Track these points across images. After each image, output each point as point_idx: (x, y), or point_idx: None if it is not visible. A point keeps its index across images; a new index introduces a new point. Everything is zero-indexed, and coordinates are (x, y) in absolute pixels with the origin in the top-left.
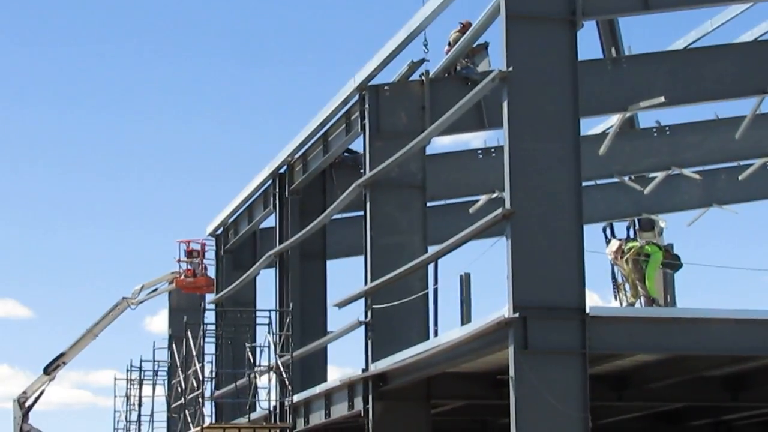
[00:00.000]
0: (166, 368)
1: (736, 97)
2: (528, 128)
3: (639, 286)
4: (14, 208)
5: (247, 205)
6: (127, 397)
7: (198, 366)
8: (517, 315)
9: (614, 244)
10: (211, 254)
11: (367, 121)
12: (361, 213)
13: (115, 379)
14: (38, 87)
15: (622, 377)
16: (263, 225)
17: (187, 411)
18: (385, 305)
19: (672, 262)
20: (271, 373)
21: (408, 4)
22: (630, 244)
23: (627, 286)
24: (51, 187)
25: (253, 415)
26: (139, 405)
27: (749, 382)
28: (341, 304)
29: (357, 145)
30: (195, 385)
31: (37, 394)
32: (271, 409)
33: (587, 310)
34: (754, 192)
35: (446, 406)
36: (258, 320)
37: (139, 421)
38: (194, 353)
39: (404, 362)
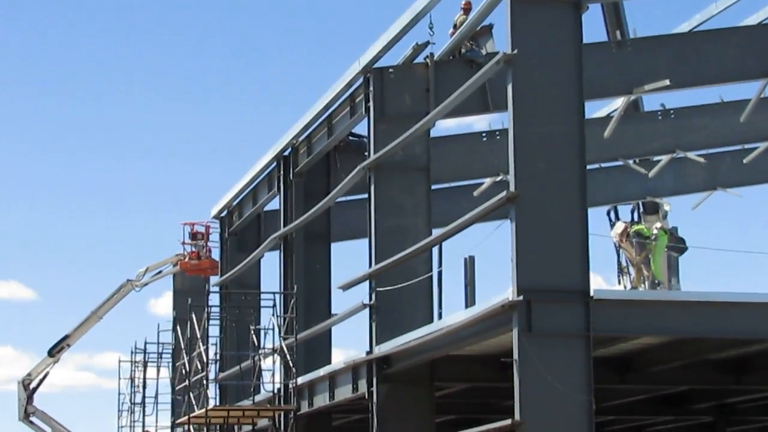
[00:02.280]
0: (170, 350)
1: (741, 81)
2: (532, 111)
3: (644, 268)
4: (19, 190)
5: (251, 187)
6: (132, 380)
7: (202, 348)
8: (521, 298)
9: (619, 226)
10: (215, 237)
11: (371, 104)
12: (366, 196)
13: (120, 361)
14: (42, 70)
15: (625, 360)
16: (268, 207)
17: (191, 393)
18: (390, 288)
19: (677, 245)
20: (276, 355)
21: None
22: (635, 227)
23: (631, 269)
24: (56, 169)
25: (258, 398)
26: (144, 387)
27: (752, 365)
28: (345, 287)
29: (361, 128)
30: (199, 367)
31: (41, 376)
32: (276, 391)
33: (591, 293)
34: (759, 175)
35: (450, 389)
36: (262, 302)
37: (143, 403)
38: (198, 335)
39: (408, 345)
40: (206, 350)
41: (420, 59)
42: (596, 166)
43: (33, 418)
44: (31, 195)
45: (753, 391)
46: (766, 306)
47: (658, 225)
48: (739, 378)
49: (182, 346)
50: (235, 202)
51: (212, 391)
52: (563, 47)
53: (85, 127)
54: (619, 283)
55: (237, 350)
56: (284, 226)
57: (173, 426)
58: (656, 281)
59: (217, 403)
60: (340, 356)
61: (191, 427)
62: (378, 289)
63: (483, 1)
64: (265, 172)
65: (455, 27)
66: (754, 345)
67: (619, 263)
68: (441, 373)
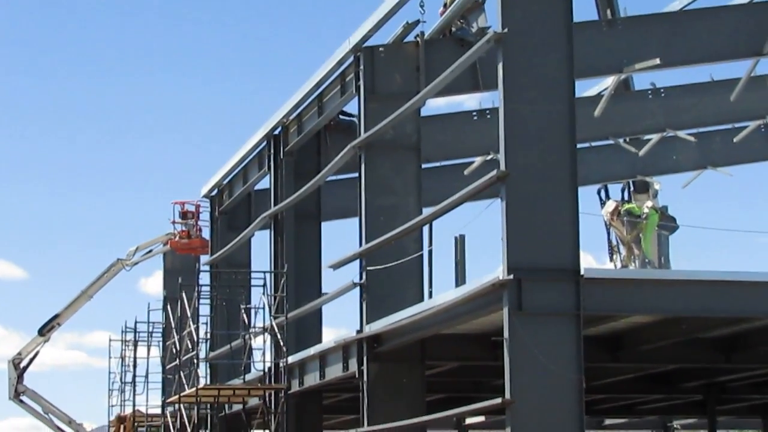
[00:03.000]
0: (160, 329)
1: (732, 59)
2: (523, 90)
3: (634, 247)
4: (9, 169)
5: (241, 166)
6: (122, 358)
7: (193, 327)
8: (511, 277)
9: (610, 205)
10: (205, 216)
11: (362, 83)
12: (356, 174)
13: (110, 340)
14: (31, 48)
15: (616, 339)
16: (258, 186)
17: (181, 372)
18: (380, 267)
19: (667, 224)
20: (266, 334)
21: None
22: (626, 206)
23: (622, 248)
24: (47, 150)
25: (248, 377)
26: (134, 366)
27: (742, 343)
28: (336, 266)
29: (352, 107)
30: (190, 346)
31: (31, 355)
32: (266, 370)
33: (582, 272)
34: (749, 154)
35: (440, 368)
36: (253, 281)
37: (134, 382)
38: (189, 314)
39: (399, 324)
40: (196, 329)
41: (410, 38)
42: (586, 144)
43: (23, 397)
44: (22, 175)
45: (743, 369)
46: (756, 284)
47: (649, 204)
48: (729, 356)
49: (172, 325)
50: (225, 181)
51: (202, 370)
52: (554, 26)
53: (76, 107)
54: (610, 261)
55: (227, 329)
56: (274, 205)
57: (164, 405)
58: (647, 260)
59: (208, 382)
60: (331, 335)
61: (182, 406)
62: (368, 268)
63: None
64: (256, 151)
65: (445, 6)
66: (744, 323)
67: (610, 242)
68: (431, 352)
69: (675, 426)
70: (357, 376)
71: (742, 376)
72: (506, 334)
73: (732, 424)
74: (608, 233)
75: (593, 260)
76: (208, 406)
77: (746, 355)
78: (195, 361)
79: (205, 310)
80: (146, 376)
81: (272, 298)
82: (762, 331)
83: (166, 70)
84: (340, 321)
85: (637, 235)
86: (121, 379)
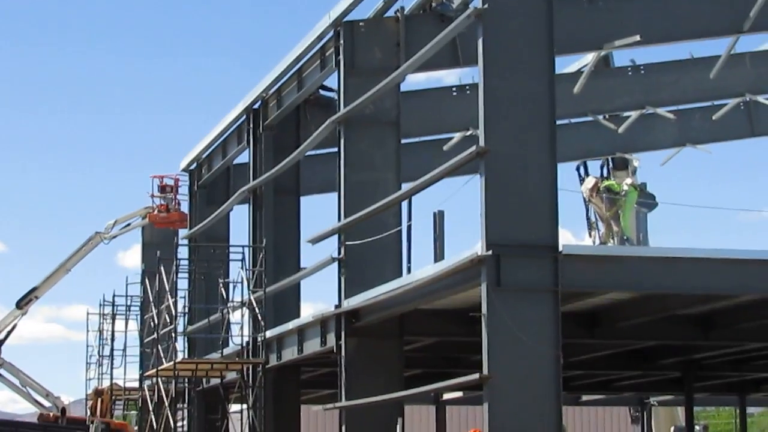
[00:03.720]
0: (138, 303)
1: (712, 37)
2: (503, 66)
3: (613, 224)
4: None
5: (221, 140)
6: (100, 332)
7: (171, 301)
8: (490, 252)
9: (590, 181)
10: (184, 189)
11: (341, 57)
12: (335, 149)
13: (88, 313)
14: (9, 23)
15: (594, 315)
16: (237, 160)
17: (159, 346)
18: (359, 242)
19: (647, 201)
20: (244, 308)
21: None
22: (606, 183)
23: (600, 225)
24: (26, 124)
25: (226, 351)
26: (112, 340)
27: (720, 320)
28: (315, 241)
29: (332, 82)
30: (168, 320)
31: (9, 328)
32: (244, 344)
33: (560, 248)
34: (728, 132)
35: (419, 343)
36: (231, 256)
37: (111, 356)
38: (167, 288)
39: (377, 299)
40: (175, 303)
41: (391, 13)
42: (566, 121)
43: (0, 371)
44: (1, 151)
45: (720, 346)
46: (733, 262)
47: (629, 181)
48: (707, 333)
49: (150, 299)
50: (204, 155)
51: (180, 344)
52: (534, 2)
53: (55, 82)
54: (589, 237)
55: (206, 303)
56: (253, 180)
57: (141, 379)
58: (625, 237)
59: (186, 356)
60: (309, 310)
61: (159, 379)
62: (347, 243)
63: None
64: (235, 125)
65: None
66: (721, 301)
67: (589, 218)
68: (410, 327)
69: (652, 402)
70: (335, 351)
71: (719, 354)
72: (484, 309)
73: (709, 401)
74: (587, 210)
75: (572, 236)
76: (186, 380)
77: (723, 333)
78: (173, 335)
79: (183, 284)
80: (124, 350)
81: (251, 272)
82: (739, 308)
83: (146, 44)
84: (319, 296)
85: (616, 212)
86: (98, 352)
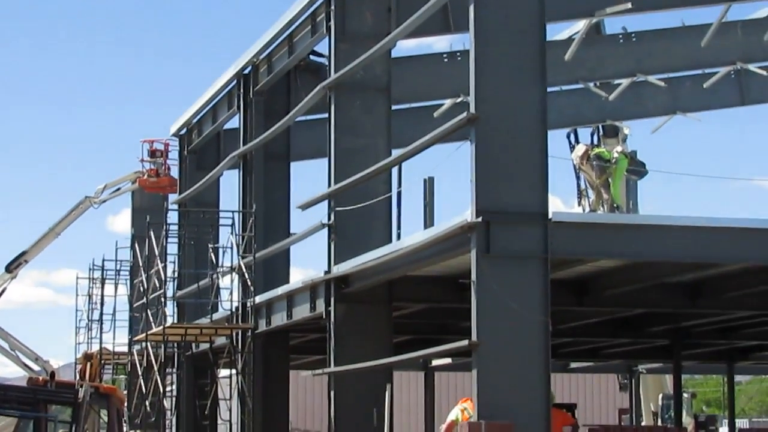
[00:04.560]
0: (128, 268)
1: (703, 5)
2: (494, 32)
3: (603, 192)
4: None
5: (211, 105)
6: (89, 296)
7: (160, 266)
8: (479, 219)
9: (580, 149)
10: (174, 154)
11: (332, 23)
12: (326, 115)
13: (77, 278)
14: None
15: (583, 283)
16: (227, 126)
17: (149, 311)
18: (349, 208)
19: (637, 168)
20: (234, 274)
21: None
22: (596, 150)
23: (590, 192)
24: (14, 84)
25: (215, 316)
26: (101, 304)
27: (708, 289)
28: (304, 206)
29: (322, 47)
30: (157, 285)
31: None
32: (233, 309)
33: (550, 216)
34: (719, 100)
35: (408, 309)
36: (221, 221)
37: (101, 320)
38: (157, 253)
39: (366, 265)
40: (164, 268)
41: None
42: (557, 88)
43: None
44: None
45: (709, 314)
46: (722, 230)
47: (619, 149)
48: (695, 301)
49: (140, 264)
50: (194, 120)
51: (170, 309)
52: None
53: (46, 45)
54: (578, 205)
55: (195, 268)
56: (244, 145)
57: (131, 343)
58: (615, 204)
59: (175, 321)
60: (299, 276)
61: (149, 344)
62: (337, 208)
63: None
64: (225, 91)
65: None
66: (710, 269)
67: (579, 186)
68: (399, 293)
69: (640, 370)
70: (324, 316)
71: (707, 321)
72: (473, 276)
73: (697, 369)
74: (577, 177)
75: (561, 204)
76: (175, 344)
77: (712, 301)
78: (162, 299)
79: (173, 248)
80: (113, 315)
81: (240, 237)
82: (728, 276)
83: (137, 8)
84: (308, 262)
85: (606, 180)
86: (88, 316)
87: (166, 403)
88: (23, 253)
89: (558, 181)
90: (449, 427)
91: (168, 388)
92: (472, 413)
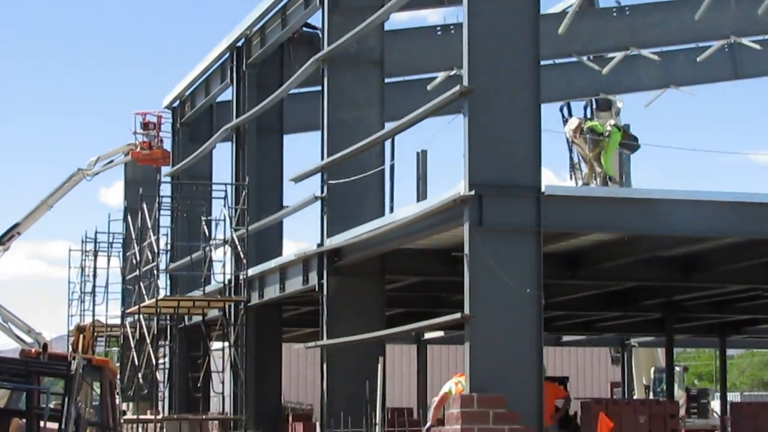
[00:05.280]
0: (121, 240)
1: None
2: (487, 5)
3: (596, 165)
4: None
5: (204, 78)
6: (82, 269)
7: (153, 238)
8: (472, 192)
9: (573, 122)
10: (167, 127)
11: None
12: (319, 88)
13: (70, 250)
14: None
15: (576, 256)
16: (220, 98)
17: (141, 283)
18: (342, 181)
19: (629, 142)
20: (227, 246)
21: None
22: (589, 123)
23: (583, 166)
24: (7, 60)
25: (208, 288)
26: (94, 276)
27: (701, 262)
28: (297, 179)
29: (315, 20)
30: (150, 257)
31: None
32: (226, 282)
33: (543, 189)
34: (712, 74)
35: (400, 282)
36: (214, 194)
37: (93, 293)
38: (149, 226)
39: (359, 238)
40: (157, 240)
41: None
42: (550, 61)
43: None
44: None
45: (701, 288)
46: (715, 204)
47: (612, 122)
48: (688, 275)
49: (133, 236)
50: (187, 93)
51: (163, 282)
52: None
53: (38, 18)
54: (571, 179)
55: (188, 241)
56: (236, 118)
57: (123, 315)
58: (608, 177)
59: (168, 294)
60: (291, 248)
61: (141, 316)
62: (330, 181)
63: None
64: (218, 63)
65: None
66: (702, 242)
67: (571, 159)
68: (392, 266)
69: (632, 343)
70: (317, 289)
71: (700, 295)
72: (466, 249)
73: (689, 342)
74: (570, 150)
75: (554, 177)
76: (168, 317)
77: (704, 274)
78: (155, 272)
79: (165, 221)
80: (106, 287)
81: (233, 210)
82: (721, 250)
83: None
84: (301, 234)
85: (599, 153)
86: (80, 289)
87: (159, 376)
88: (15, 225)
89: (551, 154)
90: (442, 400)
91: (160, 361)
92: (466, 386)
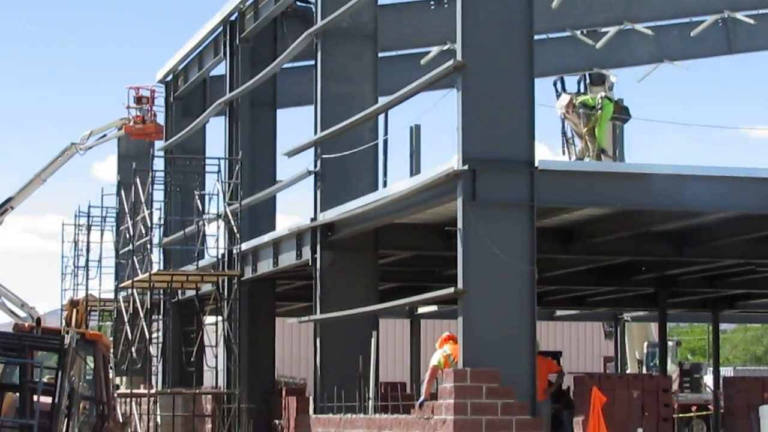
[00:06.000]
0: (114, 214)
1: None
2: None
3: (588, 140)
4: None
5: (197, 52)
6: (75, 243)
7: (146, 213)
8: (466, 167)
9: (564, 98)
10: (160, 101)
11: None
12: (312, 62)
13: (63, 224)
14: None
15: (569, 231)
16: (213, 72)
17: (135, 257)
18: (335, 155)
19: (621, 115)
20: (220, 221)
21: None
22: (581, 98)
23: (577, 141)
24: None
25: (202, 263)
26: (87, 251)
27: (694, 237)
28: (291, 153)
29: None
30: (143, 231)
31: None
32: (219, 256)
33: (536, 164)
34: (706, 48)
35: (394, 257)
36: (207, 168)
37: (87, 267)
38: (143, 200)
39: (353, 212)
40: (150, 215)
41: None
42: (544, 36)
43: None
44: None
45: (694, 263)
46: (709, 179)
47: (603, 94)
48: (681, 250)
49: (126, 211)
50: (180, 67)
51: (156, 256)
52: None
53: None
54: (564, 154)
55: (181, 215)
56: (230, 92)
57: (117, 290)
58: (601, 149)
59: (161, 268)
60: (285, 223)
61: (135, 291)
62: (323, 156)
63: None
64: (211, 37)
65: None
66: (696, 217)
67: (564, 135)
68: (385, 241)
69: (625, 318)
70: (310, 264)
71: (693, 270)
72: (460, 224)
73: (682, 317)
74: (563, 126)
75: (548, 152)
76: (161, 291)
77: (698, 249)
78: (148, 246)
79: (159, 195)
80: (99, 261)
81: (226, 184)
82: (714, 225)
83: None
84: (294, 209)
85: (593, 127)
86: (74, 263)
87: (152, 350)
88: (9, 200)
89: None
90: (433, 373)
91: (154, 335)
92: (454, 357)
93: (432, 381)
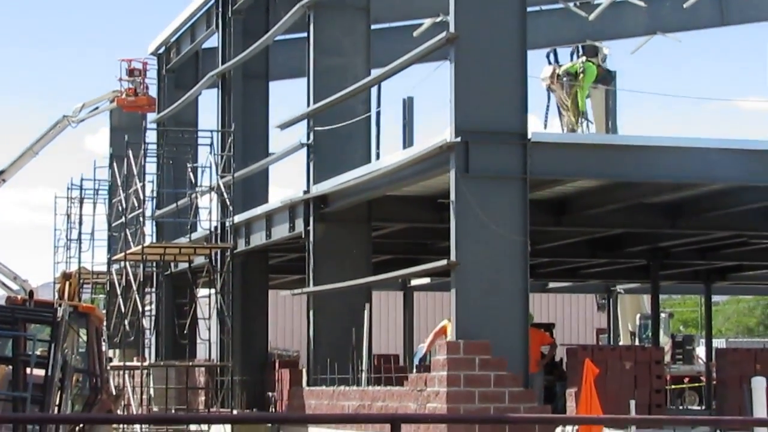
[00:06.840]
0: (106, 187)
1: None
2: None
3: (573, 111)
4: None
5: (189, 24)
6: (68, 216)
7: (139, 185)
8: (458, 139)
9: (548, 69)
10: (152, 73)
11: None
12: (305, 34)
13: (56, 197)
14: None
15: (561, 202)
16: (206, 45)
17: (127, 230)
18: (328, 127)
19: (605, 77)
20: (213, 193)
21: None
22: (564, 67)
23: (563, 112)
24: None
25: (194, 235)
26: (80, 224)
27: (687, 209)
28: (284, 126)
29: None
30: (136, 204)
31: None
32: (212, 229)
33: (529, 136)
34: (698, 20)
35: (387, 229)
36: (200, 140)
37: (79, 240)
38: (135, 172)
39: (346, 185)
40: (143, 187)
41: None
42: (536, 8)
43: None
44: None
45: (686, 235)
46: (701, 150)
47: (583, 59)
48: (673, 222)
49: (118, 183)
50: (172, 39)
51: (149, 229)
52: None
53: None
54: (545, 128)
55: (174, 188)
56: (222, 64)
57: (109, 262)
58: (582, 112)
59: (154, 241)
60: (278, 195)
61: (127, 263)
62: (316, 128)
63: None
64: (204, 9)
65: None
66: (688, 189)
67: (548, 108)
68: (378, 213)
69: (618, 290)
70: (303, 236)
71: (686, 242)
72: (452, 196)
73: (675, 289)
74: (548, 98)
75: (540, 124)
76: (154, 264)
77: (691, 221)
78: (141, 219)
79: (151, 168)
80: (92, 234)
81: (219, 157)
82: (707, 197)
83: None
84: (287, 181)
85: (577, 93)
86: (66, 236)
87: (145, 323)
88: (1, 173)
89: (537, 101)
90: (441, 331)
91: (147, 308)
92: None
93: (437, 338)
